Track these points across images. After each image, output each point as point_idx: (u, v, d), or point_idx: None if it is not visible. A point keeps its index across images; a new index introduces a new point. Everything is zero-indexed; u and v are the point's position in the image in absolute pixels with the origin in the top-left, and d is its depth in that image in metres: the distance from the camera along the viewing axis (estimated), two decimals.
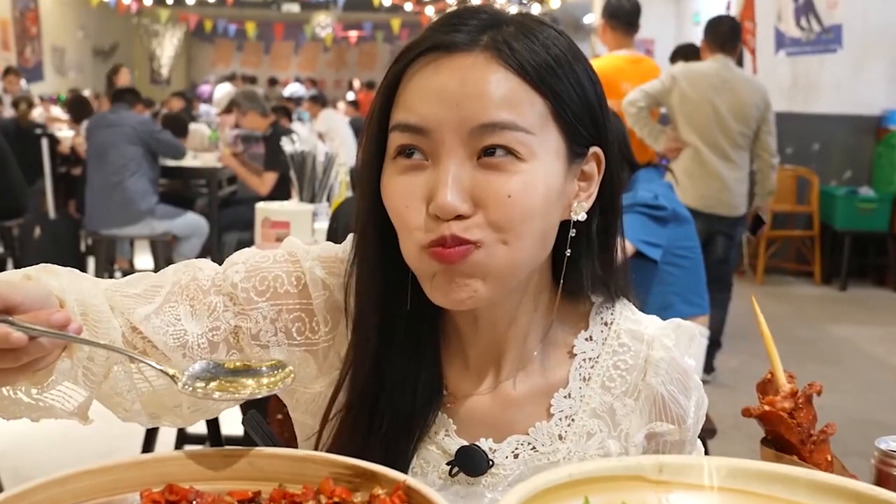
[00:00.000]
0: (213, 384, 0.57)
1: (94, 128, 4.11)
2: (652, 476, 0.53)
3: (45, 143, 4.54)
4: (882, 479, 0.62)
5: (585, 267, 0.67)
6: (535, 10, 9.31)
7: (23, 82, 6.24)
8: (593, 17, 6.67)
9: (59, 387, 0.60)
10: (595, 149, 0.65)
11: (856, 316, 4.43)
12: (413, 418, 0.67)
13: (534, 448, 0.68)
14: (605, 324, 0.71)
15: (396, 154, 0.62)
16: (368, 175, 0.64)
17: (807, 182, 5.04)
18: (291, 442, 0.78)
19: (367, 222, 0.66)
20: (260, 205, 2.18)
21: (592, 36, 6.25)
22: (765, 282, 4.96)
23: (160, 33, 13.53)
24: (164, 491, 0.52)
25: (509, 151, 0.59)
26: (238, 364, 0.59)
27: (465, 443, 0.68)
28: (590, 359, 0.70)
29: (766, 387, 0.64)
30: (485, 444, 0.68)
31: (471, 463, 0.67)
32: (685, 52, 4.43)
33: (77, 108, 5.30)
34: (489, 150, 0.59)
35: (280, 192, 3.98)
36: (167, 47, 13.74)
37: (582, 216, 0.64)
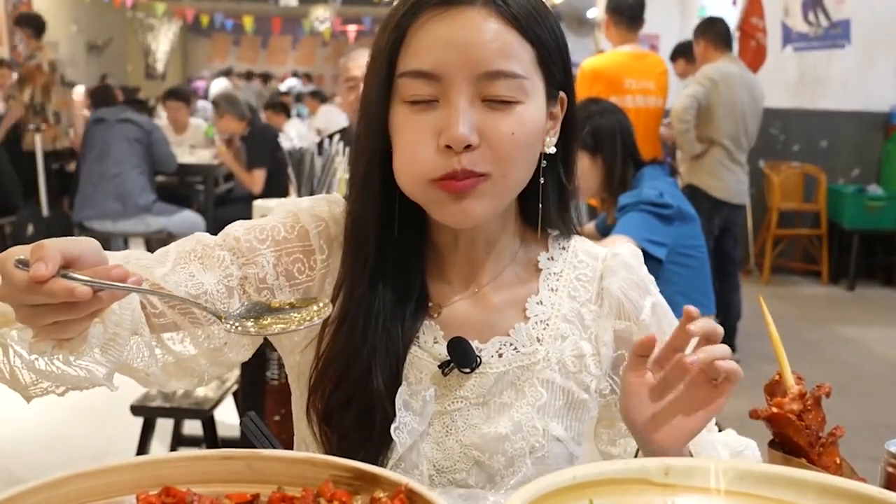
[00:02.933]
0: (258, 322, 0.62)
1: (97, 121, 4.13)
2: (657, 479, 0.52)
3: (37, 138, 4.52)
4: (892, 483, 0.61)
5: (549, 195, 0.77)
6: None
7: (15, 76, 6.20)
8: (597, 12, 6.63)
9: (90, 353, 0.64)
10: (562, 94, 0.75)
11: (864, 316, 4.40)
12: (404, 327, 0.74)
13: (515, 349, 0.76)
14: (563, 248, 0.81)
15: (407, 100, 0.69)
16: (376, 118, 0.71)
17: (814, 180, 5.01)
18: (290, 443, 0.78)
19: (372, 159, 0.72)
20: (257, 202, 2.17)
21: (596, 31, 6.23)
22: (771, 281, 4.93)
23: (155, 27, 13.47)
24: (160, 494, 0.51)
25: (509, 96, 0.68)
26: (279, 303, 0.64)
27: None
28: (554, 273, 0.79)
29: (774, 388, 0.63)
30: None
31: (462, 354, 0.74)
32: (685, 50, 4.41)
33: (99, 96, 5.25)
34: (492, 97, 0.68)
35: (276, 189, 3.99)
36: (162, 42, 13.67)
37: (552, 149, 0.75)
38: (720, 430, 0.80)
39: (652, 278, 0.81)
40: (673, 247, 1.99)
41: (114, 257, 0.71)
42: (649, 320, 0.77)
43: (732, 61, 3.54)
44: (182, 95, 4.94)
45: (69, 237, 0.59)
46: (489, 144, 0.68)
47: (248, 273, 0.75)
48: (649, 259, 1.92)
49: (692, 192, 3.43)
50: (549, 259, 0.79)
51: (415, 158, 0.69)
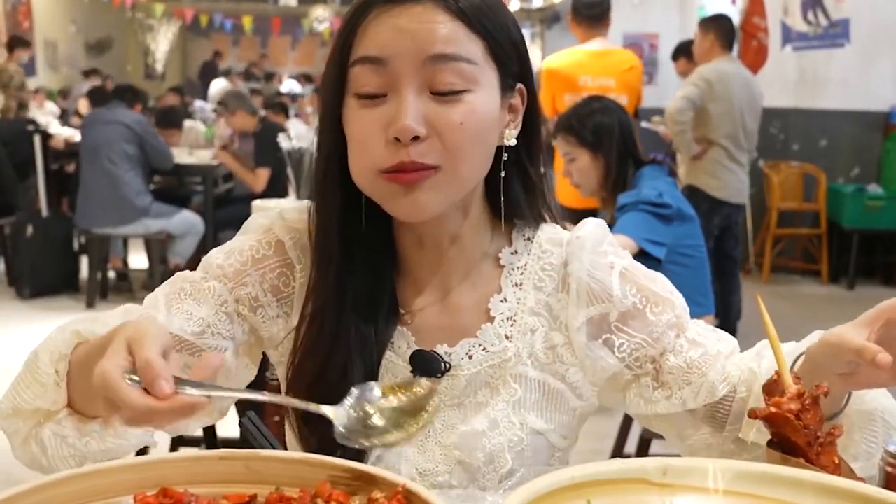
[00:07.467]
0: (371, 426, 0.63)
1: (89, 124, 4.08)
2: (656, 479, 0.52)
3: (37, 139, 4.48)
4: (890, 482, 0.61)
5: (514, 188, 0.77)
6: (538, 2, 9.33)
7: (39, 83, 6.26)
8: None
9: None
10: (520, 85, 0.75)
11: None
12: (377, 331, 0.75)
13: (484, 349, 0.76)
14: (528, 239, 0.80)
15: (357, 92, 0.70)
16: (331, 111, 0.72)
17: (814, 179, 5.01)
18: (288, 444, 0.78)
19: (331, 155, 0.73)
20: (256, 202, 2.18)
21: None
22: (771, 280, 4.93)
23: (155, 28, 13.45)
24: (158, 494, 0.51)
25: (458, 84, 0.69)
26: (386, 388, 0.65)
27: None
28: (518, 267, 0.79)
29: (773, 388, 0.63)
30: (440, 349, 0.76)
31: (426, 364, 0.75)
32: (688, 49, 4.41)
33: (98, 97, 5.20)
34: (440, 88, 0.69)
35: (276, 189, 3.97)
36: (162, 42, 13.64)
37: (512, 142, 0.75)
38: None
39: (615, 242, 0.79)
40: (672, 247, 1.99)
41: (110, 315, 0.71)
42: (619, 292, 0.76)
43: (730, 61, 3.55)
44: (175, 121, 4.82)
45: (139, 326, 0.58)
46: (439, 135, 0.68)
47: (240, 295, 0.76)
48: (648, 259, 1.93)
49: (692, 193, 3.43)
50: (512, 254, 0.79)
51: (364, 151, 0.69)
